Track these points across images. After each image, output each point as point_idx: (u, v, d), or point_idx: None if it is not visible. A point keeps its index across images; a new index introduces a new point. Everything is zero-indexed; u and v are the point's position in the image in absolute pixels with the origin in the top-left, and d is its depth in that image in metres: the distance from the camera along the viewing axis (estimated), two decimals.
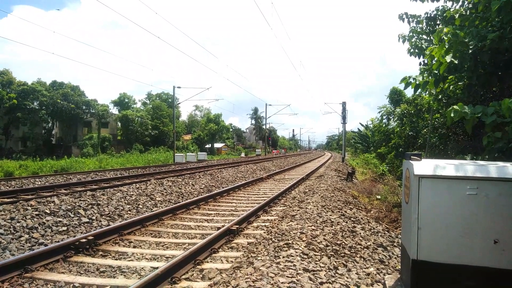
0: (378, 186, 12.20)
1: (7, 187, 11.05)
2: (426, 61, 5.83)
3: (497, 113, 3.63)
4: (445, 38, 4.43)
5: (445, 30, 4.52)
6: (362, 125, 31.11)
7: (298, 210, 6.81)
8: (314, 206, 7.14)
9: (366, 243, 4.90)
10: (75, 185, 11.13)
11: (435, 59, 4.72)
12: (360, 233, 5.33)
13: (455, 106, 3.79)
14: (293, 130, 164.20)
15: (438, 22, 6.75)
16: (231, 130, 74.89)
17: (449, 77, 5.25)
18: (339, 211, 6.84)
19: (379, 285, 3.52)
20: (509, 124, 3.55)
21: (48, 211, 6.72)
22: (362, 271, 3.86)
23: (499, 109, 3.55)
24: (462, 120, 4.16)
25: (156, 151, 43.06)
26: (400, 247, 4.51)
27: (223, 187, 12.37)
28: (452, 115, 3.77)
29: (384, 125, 16.09)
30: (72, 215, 6.84)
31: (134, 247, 5.41)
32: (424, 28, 6.79)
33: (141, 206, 8.46)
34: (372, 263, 4.19)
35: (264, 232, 5.54)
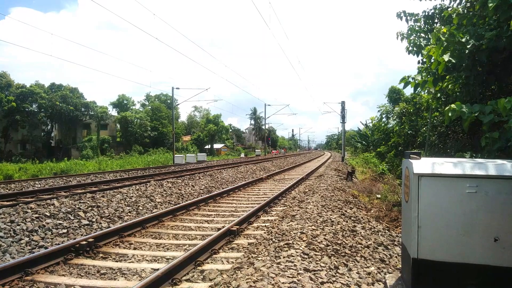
0: (378, 185, 12.21)
1: (7, 190, 11.03)
2: (424, 60, 5.84)
3: (495, 111, 3.63)
4: (443, 38, 4.44)
5: (443, 30, 4.52)
6: (362, 124, 31.14)
7: (298, 210, 6.81)
8: (314, 206, 7.14)
9: (366, 242, 4.90)
10: (74, 187, 11.11)
11: (433, 58, 4.73)
12: (360, 233, 5.33)
13: (452, 105, 3.80)
14: (293, 130, 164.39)
15: (436, 21, 6.76)
16: (230, 130, 74.88)
17: (447, 76, 5.26)
18: (339, 211, 6.84)
19: (380, 284, 3.52)
20: (507, 123, 3.56)
21: (48, 214, 6.71)
22: (363, 270, 3.86)
23: (496, 108, 3.56)
24: (460, 118, 4.17)
25: (155, 153, 43.06)
26: (400, 246, 4.51)
27: (223, 188, 12.36)
28: (450, 114, 3.78)
29: (383, 124, 16.10)
30: (72, 218, 6.84)
31: (135, 248, 5.41)
32: (422, 26, 6.80)
33: (141, 208, 8.45)
34: (373, 262, 4.19)
35: (265, 233, 5.54)
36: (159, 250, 5.33)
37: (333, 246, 4.46)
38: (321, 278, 3.40)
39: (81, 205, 7.56)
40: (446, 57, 4.44)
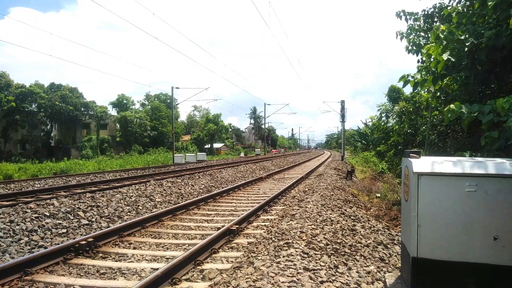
0: (377, 184, 12.22)
1: (6, 190, 11.02)
2: (424, 59, 5.83)
3: (494, 111, 3.62)
4: (442, 36, 4.43)
5: (442, 28, 4.52)
6: (363, 122, 31.12)
7: (298, 209, 6.81)
8: (314, 205, 7.14)
9: (366, 241, 4.90)
10: (74, 187, 11.11)
11: (432, 57, 4.72)
12: (360, 232, 5.33)
13: (451, 106, 3.79)
14: (292, 129, 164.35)
15: (435, 20, 6.75)
16: (230, 130, 74.84)
17: (447, 77, 5.26)
18: (339, 210, 6.84)
19: (379, 283, 3.52)
20: (506, 122, 3.55)
21: (47, 214, 6.71)
22: (362, 269, 3.86)
23: (495, 107, 3.55)
24: (459, 117, 4.16)
25: (155, 152, 43.06)
26: (400, 245, 4.51)
27: (222, 187, 12.36)
28: (449, 115, 3.78)
29: (383, 123, 16.10)
30: (71, 217, 6.83)
31: (134, 248, 5.41)
32: (421, 25, 6.79)
33: (140, 207, 8.45)
34: (372, 261, 4.19)
35: (264, 232, 5.54)
36: (159, 250, 5.33)
37: (332, 245, 4.46)
38: (320, 277, 3.40)
39: (80, 205, 7.56)
40: (445, 56, 4.43)
